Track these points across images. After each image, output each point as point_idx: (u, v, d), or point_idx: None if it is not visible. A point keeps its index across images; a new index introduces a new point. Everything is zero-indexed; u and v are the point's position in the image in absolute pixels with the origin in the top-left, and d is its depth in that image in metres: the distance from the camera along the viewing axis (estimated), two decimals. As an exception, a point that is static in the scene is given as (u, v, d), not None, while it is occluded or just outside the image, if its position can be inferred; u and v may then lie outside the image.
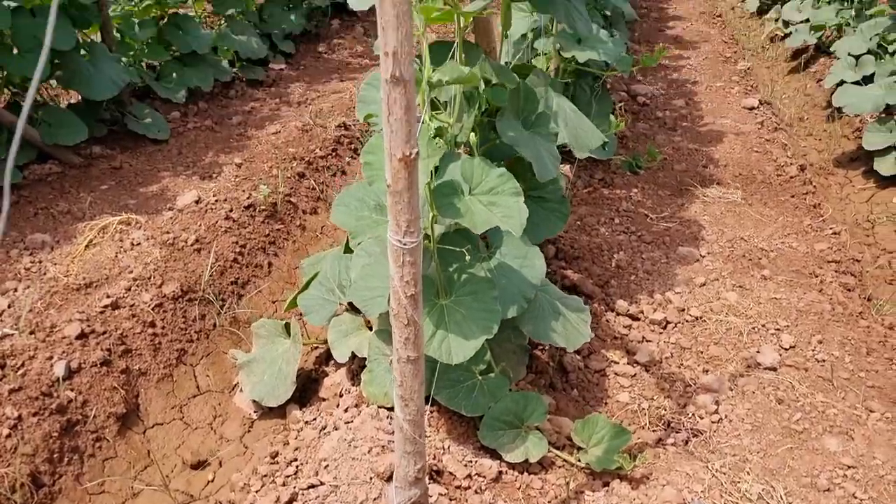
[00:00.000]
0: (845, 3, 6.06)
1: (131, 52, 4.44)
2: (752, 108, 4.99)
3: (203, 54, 4.75)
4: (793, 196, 3.80)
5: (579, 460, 2.08)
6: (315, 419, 2.31)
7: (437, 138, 2.05)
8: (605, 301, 2.87)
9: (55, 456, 2.22)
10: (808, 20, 6.43)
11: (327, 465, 1.99)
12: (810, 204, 3.77)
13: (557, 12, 2.48)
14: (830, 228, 3.51)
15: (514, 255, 2.00)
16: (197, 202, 3.48)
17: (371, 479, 1.88)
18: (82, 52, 3.90)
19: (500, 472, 2.01)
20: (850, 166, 4.40)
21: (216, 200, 3.48)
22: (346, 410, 2.22)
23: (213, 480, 2.33)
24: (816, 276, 3.07)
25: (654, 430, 2.31)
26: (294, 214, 3.66)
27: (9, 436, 2.17)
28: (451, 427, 2.11)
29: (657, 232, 3.40)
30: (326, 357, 2.63)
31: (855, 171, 4.33)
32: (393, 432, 1.79)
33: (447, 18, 1.87)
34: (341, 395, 2.35)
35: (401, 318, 1.33)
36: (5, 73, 3.68)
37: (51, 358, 2.42)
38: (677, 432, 2.27)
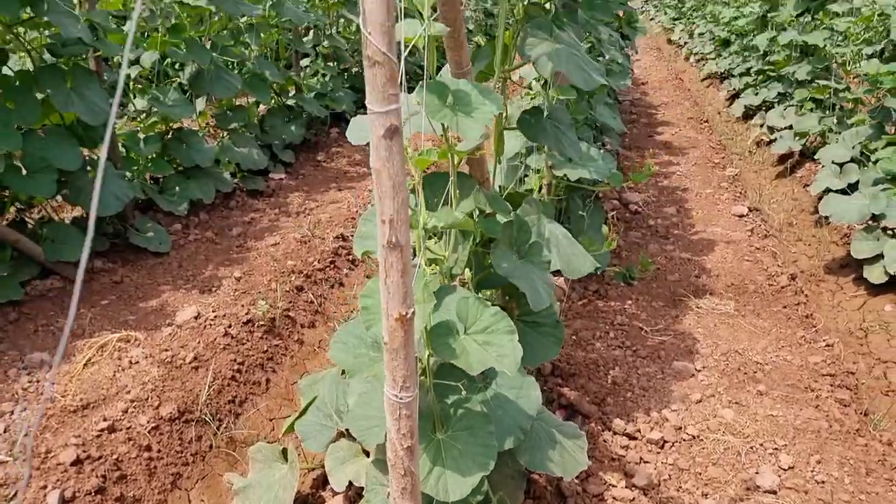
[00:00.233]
0: (827, 111, 6.27)
1: (135, 168, 4.56)
2: (741, 216, 5.10)
3: (206, 167, 4.89)
4: (785, 307, 3.85)
5: None
6: (311, 549, 2.28)
7: (433, 265, 2.10)
8: (602, 420, 2.87)
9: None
10: (791, 126, 6.65)
11: None
12: (803, 314, 3.81)
13: (547, 141, 2.59)
14: (824, 340, 3.54)
15: (510, 385, 2.03)
16: (196, 318, 3.52)
17: None
18: (88, 169, 4.02)
19: None
20: (841, 273, 4.47)
21: (215, 316, 3.52)
22: (342, 541, 2.19)
23: None
24: (812, 391, 3.08)
25: (654, 558, 2.28)
26: (292, 329, 3.69)
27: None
28: (449, 559, 2.09)
29: (652, 346, 3.43)
30: (324, 481, 2.61)
31: (846, 278, 4.39)
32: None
33: (442, 157, 1.95)
34: (338, 524, 2.33)
35: (398, 469, 1.35)
36: (11, 191, 3.77)
37: (45, 487, 2.41)
38: (678, 561, 2.24)
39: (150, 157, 4.67)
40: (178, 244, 4.42)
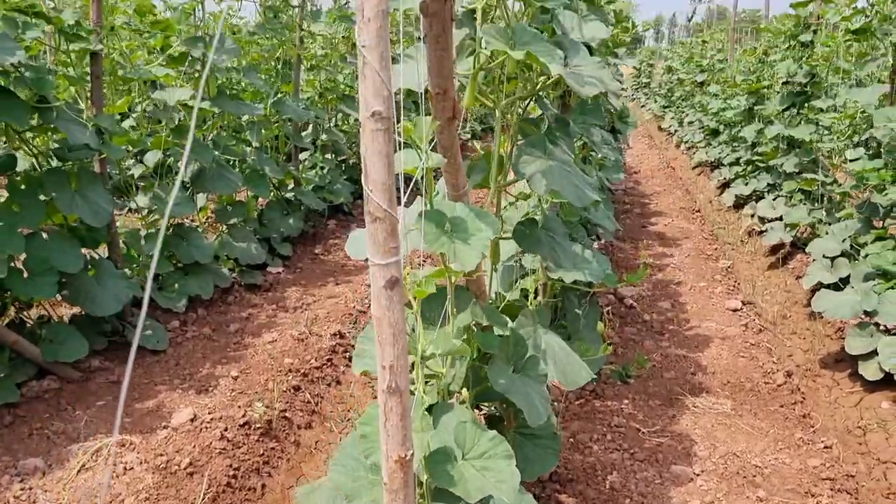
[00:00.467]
0: (816, 203, 6.40)
1: (136, 265, 4.61)
2: (735, 310, 5.14)
3: (205, 263, 4.94)
4: (782, 406, 3.85)
5: None
6: None
7: (430, 381, 2.12)
8: (601, 529, 2.85)
9: None
10: (781, 218, 6.77)
11: None
12: (800, 414, 3.81)
13: (542, 251, 2.65)
14: (822, 441, 3.53)
15: None
16: (192, 420, 3.51)
17: None
18: (89, 269, 4.07)
19: None
20: (836, 368, 4.48)
21: (211, 419, 3.51)
22: None
23: None
24: (813, 497, 3.06)
25: None
26: (289, 430, 3.67)
27: None
28: None
29: (650, 448, 3.42)
30: None
31: (841, 374, 4.40)
32: None
33: (440, 276, 2.00)
34: None
35: None
36: (11, 293, 3.81)
37: None
38: None
39: (150, 254, 4.72)
40: (176, 341, 4.43)
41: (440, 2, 1.61)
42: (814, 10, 7.26)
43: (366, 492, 1.75)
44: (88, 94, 4.19)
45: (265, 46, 6.37)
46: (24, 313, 4.02)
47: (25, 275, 3.66)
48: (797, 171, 6.91)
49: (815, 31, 7.24)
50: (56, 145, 3.94)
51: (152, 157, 4.94)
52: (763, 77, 8.56)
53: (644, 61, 23.72)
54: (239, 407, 3.64)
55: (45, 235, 3.80)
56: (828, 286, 5.00)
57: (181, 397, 3.77)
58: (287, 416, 3.75)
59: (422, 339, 1.64)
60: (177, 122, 4.98)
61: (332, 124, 7.67)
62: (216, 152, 5.15)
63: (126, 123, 6.03)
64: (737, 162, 9.11)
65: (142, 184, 5.07)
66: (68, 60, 3.93)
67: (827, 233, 5.54)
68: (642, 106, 22.49)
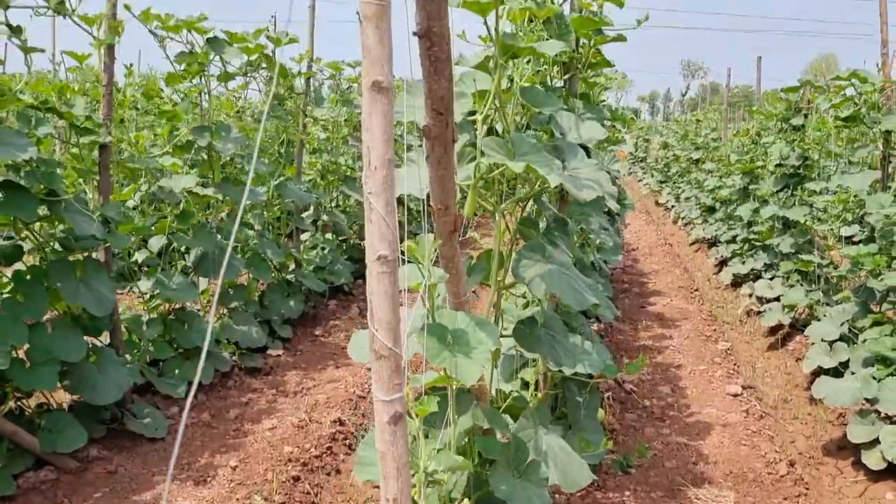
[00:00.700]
0: (813, 284, 6.44)
1: (136, 351, 4.62)
2: (736, 395, 5.13)
3: (205, 348, 4.95)
4: (785, 498, 3.81)
5: None
6: None
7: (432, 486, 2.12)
8: None
9: None
10: (779, 298, 6.80)
11: None
12: (804, 507, 3.77)
13: (543, 350, 2.68)
14: (827, 536, 3.49)
15: None
16: (190, 514, 3.47)
17: None
18: (90, 357, 4.08)
19: None
20: (840, 455, 4.45)
21: (209, 513, 3.47)
22: None
23: None
24: None
25: None
26: (287, 524, 3.63)
27: None
28: None
29: (653, 543, 3.38)
30: None
31: (845, 461, 4.37)
32: None
33: (441, 382, 2.03)
34: None
35: None
36: (12, 383, 3.81)
37: None
38: None
39: (151, 339, 4.74)
40: (175, 428, 4.40)
41: (442, 126, 1.68)
42: (805, 93, 7.45)
43: None
44: (96, 184, 4.27)
45: (269, 133, 6.51)
46: (24, 401, 4.01)
47: (27, 365, 3.68)
48: (794, 251, 6.98)
49: (805, 115, 7.42)
50: (62, 234, 4.00)
51: (156, 242, 5.00)
52: (756, 157, 8.71)
53: (640, 136, 24.15)
54: (237, 500, 3.60)
55: (48, 325, 3.83)
56: (827, 370, 5.00)
57: (179, 489, 3.73)
58: (285, 508, 3.70)
59: (423, 454, 1.65)
60: (181, 208, 5.06)
61: (333, 205, 7.78)
62: (219, 237, 5.23)
63: (129, 202, 6.11)
64: (733, 240, 9.19)
65: (145, 268, 5.12)
66: (78, 153, 4.02)
67: (825, 315, 5.56)
68: (639, 180, 22.78)
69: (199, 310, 5.33)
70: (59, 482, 3.71)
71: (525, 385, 3.60)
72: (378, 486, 1.29)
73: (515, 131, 2.73)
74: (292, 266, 6.61)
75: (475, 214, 2.49)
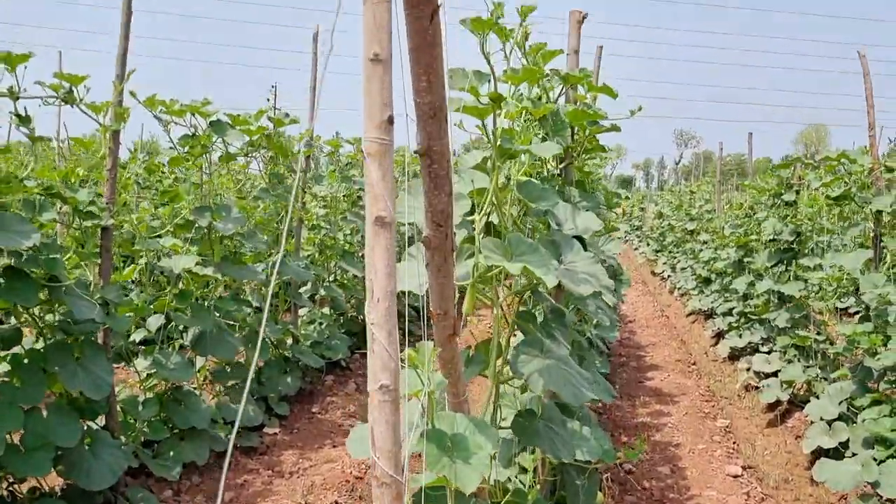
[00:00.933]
0: (811, 360, 6.45)
1: (132, 433, 4.59)
2: (736, 476, 5.09)
3: (202, 428, 4.91)
4: (788, 588, 3.75)
5: None
6: None
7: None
8: None
9: None
10: (777, 373, 6.78)
11: None
12: None
13: (542, 443, 2.68)
14: None
15: None
16: None
17: None
18: (85, 440, 4.04)
19: None
20: (843, 539, 4.39)
21: None
22: None
23: None
24: None
25: None
26: None
27: None
28: None
29: None
30: None
31: (849, 547, 4.31)
32: None
33: (441, 482, 2.02)
34: None
35: None
36: (3, 468, 3.77)
37: None
38: None
39: (147, 420, 4.71)
40: (169, 513, 4.35)
41: (441, 237, 1.72)
42: (796, 169, 7.59)
43: None
44: (97, 266, 4.31)
45: (269, 209, 6.59)
46: (15, 486, 3.96)
47: (21, 450, 3.64)
48: (790, 325, 6.99)
49: (797, 192, 7.53)
50: (61, 316, 4.01)
51: (155, 322, 5.01)
52: (750, 231, 8.81)
53: (635, 205, 24.41)
54: (231, 591, 3.53)
55: (44, 410, 3.81)
56: (828, 451, 4.97)
57: (172, 579, 3.67)
58: None
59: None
60: (180, 287, 5.09)
61: (331, 279, 7.82)
62: (217, 314, 5.24)
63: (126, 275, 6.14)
64: (730, 312, 9.21)
65: (142, 347, 5.12)
66: (80, 236, 4.07)
67: (823, 392, 5.55)
68: (635, 248, 22.93)
69: (195, 388, 5.31)
70: (49, 572, 3.64)
71: (523, 469, 3.57)
72: None
73: (513, 224, 2.79)
74: (290, 341, 6.60)
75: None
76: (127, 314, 4.53)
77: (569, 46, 3.63)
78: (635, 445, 3.61)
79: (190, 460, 4.77)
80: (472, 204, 2.42)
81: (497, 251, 2.19)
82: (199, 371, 5.46)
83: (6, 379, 3.75)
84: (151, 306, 5.05)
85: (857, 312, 8.56)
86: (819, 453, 5.09)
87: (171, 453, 4.72)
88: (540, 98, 3.09)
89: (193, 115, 4.85)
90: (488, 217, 2.59)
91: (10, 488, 3.93)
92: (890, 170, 5.51)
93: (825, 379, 6.04)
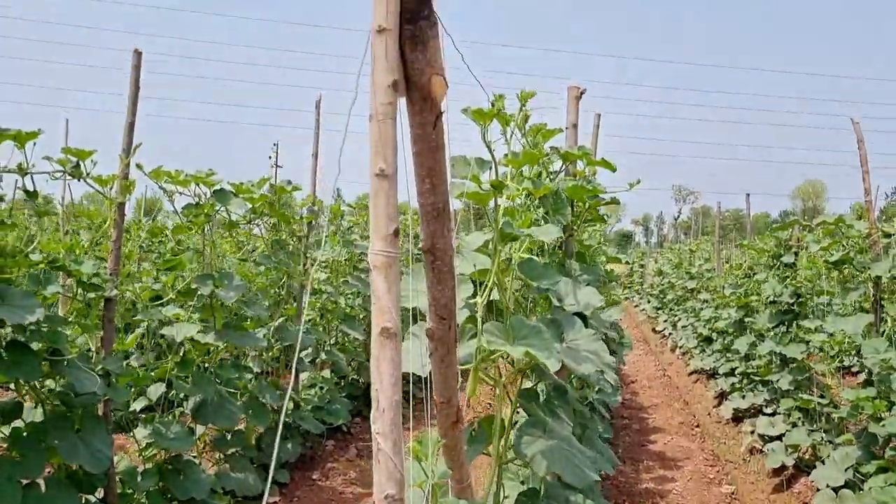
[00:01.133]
0: (815, 423, 6.39)
1: (131, 505, 4.53)
2: (743, 547, 5.01)
3: (201, 499, 4.85)
4: None
5: None
6: None
7: None
8: None
9: None
10: (782, 436, 6.72)
11: None
12: None
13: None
14: None
15: None
16: None
17: None
18: (82, 515, 4.00)
19: None
20: None
21: None
22: None
23: None
24: None
25: None
26: None
27: None
28: None
29: None
30: None
31: None
32: None
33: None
34: None
35: None
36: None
37: None
38: None
39: (146, 491, 4.65)
40: (166, 589, 4.26)
41: (445, 329, 1.74)
42: (794, 231, 7.63)
43: None
44: (100, 336, 4.32)
45: (270, 275, 6.63)
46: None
47: (18, 527, 3.60)
48: (793, 387, 6.96)
49: (796, 253, 7.57)
50: (62, 388, 4.00)
51: (155, 391, 5.00)
52: (750, 291, 8.82)
53: (635, 262, 24.46)
54: None
55: (42, 484, 3.77)
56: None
57: None
58: None
59: None
60: (182, 355, 5.08)
61: (332, 342, 7.81)
62: (218, 382, 5.22)
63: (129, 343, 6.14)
64: (732, 373, 9.16)
65: (142, 416, 5.09)
66: (83, 307, 4.09)
67: (829, 456, 5.50)
68: (636, 305, 22.88)
69: (195, 457, 5.26)
70: None
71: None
72: None
73: (514, 303, 2.82)
74: (291, 407, 6.56)
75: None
76: (127, 383, 4.51)
77: (567, 121, 3.71)
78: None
79: (188, 533, 4.70)
80: (475, 286, 2.44)
81: (499, 335, 2.21)
82: (198, 438, 5.41)
83: (5, 452, 3.73)
84: (152, 374, 5.04)
85: (859, 372, 8.54)
86: (827, 523, 5.02)
87: (169, 526, 4.66)
88: (540, 175, 3.14)
89: (198, 184, 4.91)
90: (489, 296, 2.62)
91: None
92: (887, 234, 5.55)
93: (830, 443, 5.99)
